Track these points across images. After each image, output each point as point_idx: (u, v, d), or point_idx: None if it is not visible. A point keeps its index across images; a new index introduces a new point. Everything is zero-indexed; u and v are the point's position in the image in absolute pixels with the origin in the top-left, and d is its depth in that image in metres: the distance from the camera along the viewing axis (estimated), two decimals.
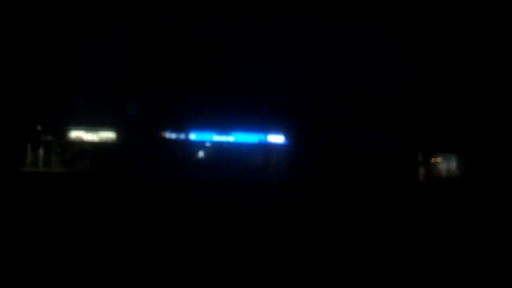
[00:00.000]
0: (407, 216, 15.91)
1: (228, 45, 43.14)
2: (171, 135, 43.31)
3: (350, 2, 47.03)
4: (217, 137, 45.09)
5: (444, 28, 41.59)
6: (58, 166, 39.34)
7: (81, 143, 39.91)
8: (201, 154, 44.39)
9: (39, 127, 38.68)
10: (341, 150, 40.82)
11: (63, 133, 39.36)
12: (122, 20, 40.41)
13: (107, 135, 40.05)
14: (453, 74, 40.54)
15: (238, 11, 44.48)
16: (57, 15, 38.43)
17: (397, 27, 44.79)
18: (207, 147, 44.38)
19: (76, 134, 40.26)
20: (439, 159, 44.79)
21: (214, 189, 24.41)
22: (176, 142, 43.24)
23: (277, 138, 45.79)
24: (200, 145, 44.75)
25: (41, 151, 39.68)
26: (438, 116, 40.20)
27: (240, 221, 13.52)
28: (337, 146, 41.34)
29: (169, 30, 41.21)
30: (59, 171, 36.81)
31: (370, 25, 45.51)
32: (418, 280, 7.62)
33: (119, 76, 39.02)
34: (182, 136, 43.89)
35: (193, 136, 44.75)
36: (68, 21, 38.59)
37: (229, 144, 45.02)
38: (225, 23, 43.17)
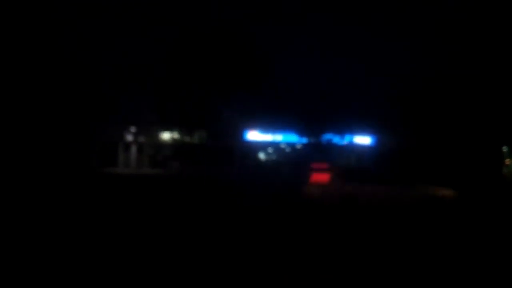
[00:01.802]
0: (497, 216, 15.75)
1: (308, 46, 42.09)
2: (259, 137, 42.86)
3: None
4: (304, 139, 44.36)
5: None
6: (149, 167, 39.70)
7: (172, 145, 40.10)
8: (287, 155, 43.60)
9: (133, 129, 39.20)
10: (428, 149, 39.27)
11: (156, 135, 39.70)
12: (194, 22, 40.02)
13: (198, 136, 40.02)
14: None
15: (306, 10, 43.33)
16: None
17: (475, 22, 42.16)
18: (294, 149, 43.54)
19: (168, 135, 40.48)
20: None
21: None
22: (264, 143, 42.78)
23: (364, 140, 44.79)
24: (286, 146, 44.02)
25: (133, 152, 40.19)
26: None
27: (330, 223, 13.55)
28: (424, 144, 39.88)
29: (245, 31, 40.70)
30: (149, 172, 37.12)
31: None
32: None
33: (207, 78, 38.81)
34: (270, 137, 43.39)
35: (280, 138, 44.16)
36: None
37: (315, 145, 44.12)
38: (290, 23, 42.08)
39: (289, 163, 40.36)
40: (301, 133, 43.76)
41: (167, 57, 38.63)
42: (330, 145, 43.77)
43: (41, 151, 35.77)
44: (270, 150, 42.74)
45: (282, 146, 43.79)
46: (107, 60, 38.63)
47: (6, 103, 33.98)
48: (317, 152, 42.80)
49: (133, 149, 40.29)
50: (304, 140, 43.95)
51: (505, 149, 40.58)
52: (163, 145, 40.45)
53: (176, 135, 39.86)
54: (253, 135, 42.57)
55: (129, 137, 39.90)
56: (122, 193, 20.33)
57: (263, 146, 43.14)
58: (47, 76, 36.06)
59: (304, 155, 42.33)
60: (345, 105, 41.63)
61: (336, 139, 44.21)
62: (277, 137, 43.84)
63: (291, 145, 44.07)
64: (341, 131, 43.76)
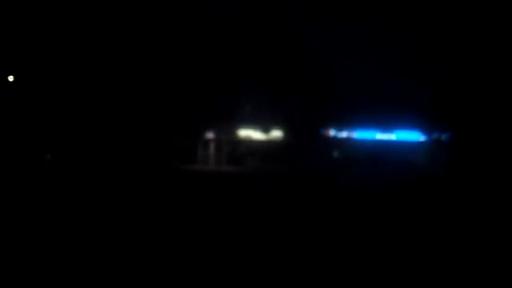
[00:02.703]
0: None
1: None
2: (335, 134, 42.83)
3: None
4: (380, 135, 43.86)
5: None
6: (227, 164, 40.57)
7: (249, 142, 40.83)
8: (363, 152, 43.24)
9: (212, 127, 40.24)
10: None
11: (233, 132, 40.54)
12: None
13: (276, 133, 40.52)
14: None
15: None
16: None
17: None
18: (369, 145, 43.12)
19: (246, 132, 41.26)
20: None
21: (377, 187, 24.12)
22: (340, 140, 42.69)
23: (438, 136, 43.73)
24: (362, 143, 43.67)
25: (211, 150, 41.21)
26: None
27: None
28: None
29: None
30: (227, 169, 37.98)
31: None
32: None
33: (284, 74, 39.20)
34: (346, 134, 43.24)
35: (355, 135, 43.90)
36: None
37: (390, 142, 43.55)
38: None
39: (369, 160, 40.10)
40: (377, 129, 43.40)
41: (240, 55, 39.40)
42: (406, 142, 43.16)
43: (130, 149, 37.77)
44: (347, 146, 42.57)
45: (360, 142, 43.48)
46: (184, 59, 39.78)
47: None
48: (393, 149, 42.30)
49: (212, 147, 41.31)
50: (379, 136, 43.53)
51: None
52: (241, 142, 41.25)
53: (253, 132, 40.52)
54: (330, 132, 42.60)
55: (208, 135, 40.94)
56: (195, 188, 20.97)
57: (340, 142, 43.02)
58: (135, 80, 37.98)
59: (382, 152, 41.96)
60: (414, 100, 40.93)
61: (412, 135, 43.52)
62: (353, 133, 43.61)
63: (367, 142, 43.69)
64: (413, 127, 43.04)
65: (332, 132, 42.91)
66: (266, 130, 40.31)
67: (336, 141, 42.77)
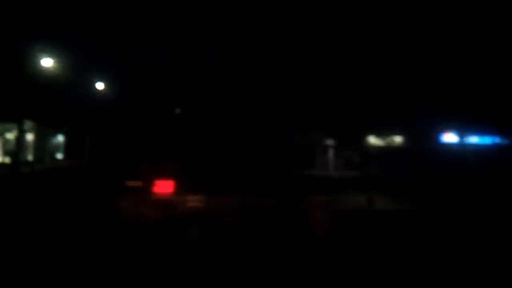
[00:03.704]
0: None
1: None
2: (454, 139, 42.48)
3: None
4: (498, 140, 42.85)
5: None
6: (346, 170, 41.58)
7: (368, 147, 41.64)
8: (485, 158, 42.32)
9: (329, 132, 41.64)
10: None
11: (353, 138, 41.57)
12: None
13: (395, 139, 41.01)
14: None
15: None
16: None
17: None
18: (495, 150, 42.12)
19: (365, 138, 42.14)
20: None
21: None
22: (459, 146, 42.23)
23: None
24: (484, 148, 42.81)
25: (330, 155, 42.52)
26: None
27: None
28: None
29: None
30: (346, 175, 38.98)
31: None
32: None
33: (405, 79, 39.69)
34: (464, 139, 42.73)
35: (475, 139, 43.29)
36: None
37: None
38: None
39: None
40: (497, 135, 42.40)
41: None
42: None
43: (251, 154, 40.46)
44: (468, 152, 41.88)
45: (480, 148, 42.66)
46: None
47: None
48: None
49: (330, 152, 42.60)
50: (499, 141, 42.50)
51: None
52: (361, 147, 42.08)
53: (373, 138, 41.27)
54: (449, 137, 42.33)
55: (327, 141, 42.28)
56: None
57: (459, 148, 42.53)
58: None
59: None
60: None
61: None
62: (473, 139, 42.97)
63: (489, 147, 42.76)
64: None
65: (452, 137, 42.60)
66: (385, 136, 40.94)
67: (456, 146, 42.32)
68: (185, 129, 43.73)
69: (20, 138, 33.09)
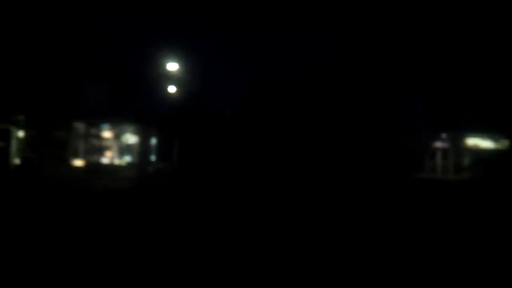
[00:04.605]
0: None
1: None
2: None
3: None
4: None
5: None
6: (454, 173, 41.35)
7: (477, 150, 41.09)
8: None
9: (444, 135, 41.75)
10: None
11: (461, 140, 41.34)
12: None
13: (505, 142, 40.06)
14: None
15: None
16: None
17: None
18: None
19: (473, 141, 41.66)
20: None
21: None
22: None
23: None
24: None
25: (438, 158, 42.56)
26: None
27: None
28: None
29: None
30: (452, 178, 38.90)
31: None
32: None
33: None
34: None
35: None
36: None
37: None
38: None
39: None
40: None
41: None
42: None
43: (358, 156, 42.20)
44: None
45: None
46: None
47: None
48: None
49: (438, 155, 42.63)
50: None
51: None
52: (469, 150, 41.62)
53: (481, 141, 40.62)
54: None
55: (436, 144, 42.39)
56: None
57: None
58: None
59: None
60: None
61: None
62: None
63: None
64: None
65: None
66: (495, 138, 40.11)
67: None
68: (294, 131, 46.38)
69: (144, 141, 36.70)
